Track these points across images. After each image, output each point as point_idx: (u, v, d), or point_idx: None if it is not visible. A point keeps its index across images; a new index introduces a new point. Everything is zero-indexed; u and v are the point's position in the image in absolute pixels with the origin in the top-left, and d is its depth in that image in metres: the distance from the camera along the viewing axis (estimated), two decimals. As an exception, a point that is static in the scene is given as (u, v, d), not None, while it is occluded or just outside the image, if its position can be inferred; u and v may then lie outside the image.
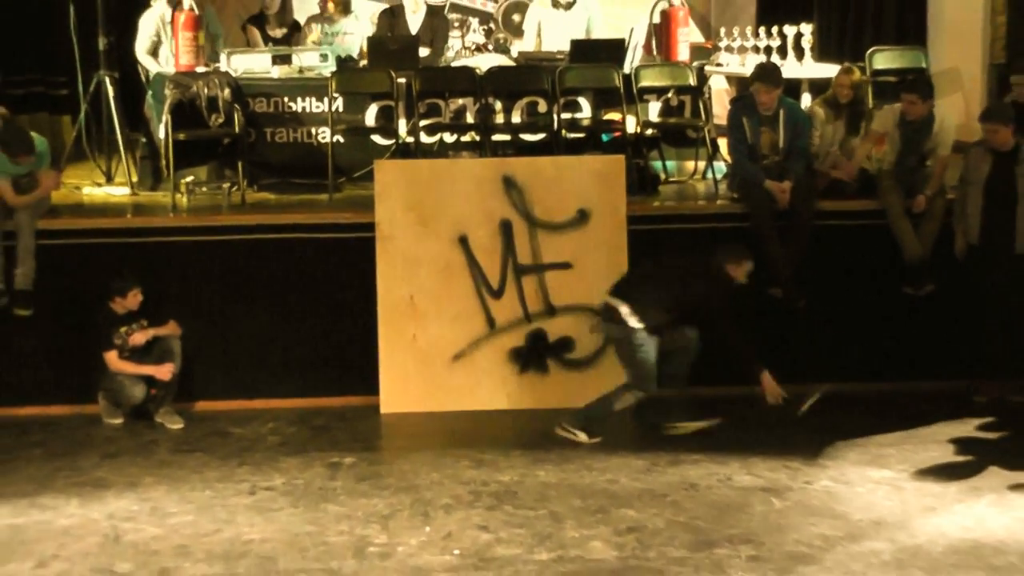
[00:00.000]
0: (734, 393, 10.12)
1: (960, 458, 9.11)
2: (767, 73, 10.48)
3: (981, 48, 12.46)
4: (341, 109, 11.30)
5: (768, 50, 11.73)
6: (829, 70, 11.44)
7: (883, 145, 10.29)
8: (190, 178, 11.05)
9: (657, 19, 12.18)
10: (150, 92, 11.42)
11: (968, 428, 9.61)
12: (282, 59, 11.70)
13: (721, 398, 10.09)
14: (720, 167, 11.23)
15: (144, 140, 11.53)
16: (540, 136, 11.46)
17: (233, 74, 11.36)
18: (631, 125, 11.33)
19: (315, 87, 11.45)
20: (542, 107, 11.46)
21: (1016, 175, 9.88)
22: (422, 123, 11.25)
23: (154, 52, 11.67)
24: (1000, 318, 9.94)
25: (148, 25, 11.68)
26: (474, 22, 13.62)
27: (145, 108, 11.48)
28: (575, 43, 11.93)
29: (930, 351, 10.35)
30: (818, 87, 11.35)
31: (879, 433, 9.47)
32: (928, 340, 10.35)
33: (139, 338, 9.77)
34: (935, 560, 7.57)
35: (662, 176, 11.50)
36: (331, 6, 12.55)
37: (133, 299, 9.71)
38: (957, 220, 10.11)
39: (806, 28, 11.81)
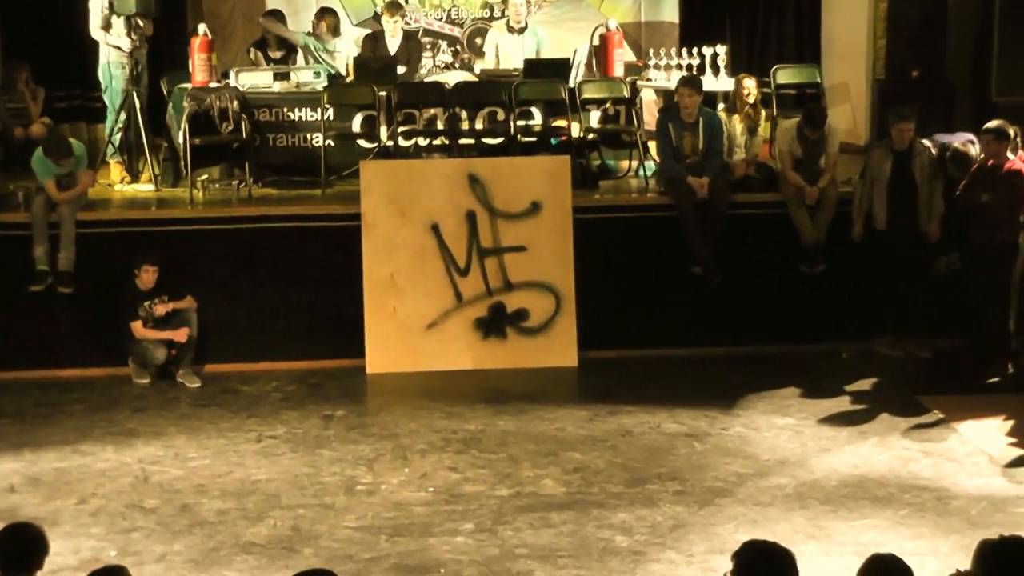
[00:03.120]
0: (665, 354, 10.16)
1: (850, 407, 9.15)
2: (691, 80, 10.57)
3: (865, 66, 12.47)
4: (332, 118, 11.20)
5: (689, 68, 11.68)
6: (740, 84, 11.44)
7: (787, 159, 10.29)
8: (204, 176, 10.96)
9: (597, 42, 12.10)
10: (171, 104, 11.30)
11: (857, 383, 9.63)
12: (282, 76, 11.59)
13: (655, 359, 10.12)
14: (650, 166, 11.18)
15: (166, 144, 11.42)
16: (499, 140, 11.37)
17: (240, 89, 11.24)
18: (575, 130, 11.27)
19: (310, 99, 11.34)
20: (501, 116, 11.38)
21: (913, 169, 9.96)
22: (400, 129, 11.17)
23: (107, 27, 11.28)
24: (905, 285, 9.98)
25: (96, 4, 11.29)
26: (443, 44, 13.53)
27: (167, 117, 11.34)
28: (528, 62, 11.87)
29: (822, 319, 10.36)
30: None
31: (782, 387, 9.48)
32: (820, 310, 10.36)
33: (161, 310, 9.71)
34: (829, 492, 7.60)
35: (601, 173, 11.46)
36: (323, 27, 12.44)
37: (146, 274, 9.62)
38: (858, 209, 10.10)
39: (721, 49, 11.77)
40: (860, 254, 10.15)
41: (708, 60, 11.69)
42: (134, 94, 11.00)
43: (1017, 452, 8.20)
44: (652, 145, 11.09)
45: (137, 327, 9.65)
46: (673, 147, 10.31)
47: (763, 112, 11.10)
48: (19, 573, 4.83)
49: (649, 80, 12.12)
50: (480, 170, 10.26)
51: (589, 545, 6.93)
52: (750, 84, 10.93)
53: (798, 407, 9.10)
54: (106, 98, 11.32)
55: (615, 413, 8.97)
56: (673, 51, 12.12)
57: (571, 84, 11.49)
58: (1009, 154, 9.66)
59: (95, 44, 11.30)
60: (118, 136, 11.23)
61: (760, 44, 13.44)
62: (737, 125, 10.80)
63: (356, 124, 11.32)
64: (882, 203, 9.99)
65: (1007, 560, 4.48)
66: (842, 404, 9.20)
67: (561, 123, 11.35)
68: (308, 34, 12.42)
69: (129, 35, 10.99)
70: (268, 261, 10.21)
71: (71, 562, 6.70)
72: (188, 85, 11.21)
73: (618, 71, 11.80)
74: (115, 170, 11.38)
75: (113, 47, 11.10)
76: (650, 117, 11.84)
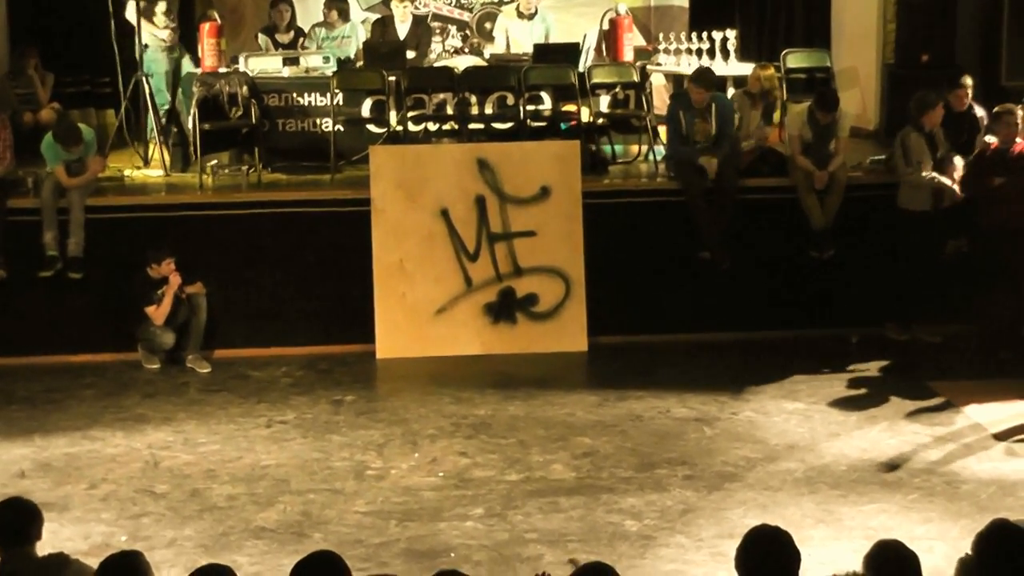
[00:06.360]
0: (675, 339, 10.15)
1: (859, 392, 9.14)
2: (699, 76, 10.49)
3: (875, 50, 12.42)
4: (341, 103, 11.19)
5: (699, 52, 11.65)
6: (750, 69, 11.39)
7: (797, 144, 10.24)
8: (214, 162, 10.95)
9: (606, 26, 12.10)
10: (180, 89, 11.31)
11: (866, 368, 9.62)
12: (291, 61, 11.60)
13: (664, 344, 10.11)
14: (659, 151, 11.17)
15: (176, 130, 11.42)
16: (509, 125, 11.36)
17: (250, 74, 11.24)
18: (585, 115, 11.26)
19: (319, 84, 11.34)
20: (510, 100, 11.38)
21: (937, 146, 9.96)
22: (409, 114, 11.16)
23: (147, 15, 11.27)
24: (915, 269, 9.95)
25: None
26: (452, 29, 13.52)
27: (176, 103, 11.37)
28: (538, 47, 11.85)
29: (831, 303, 10.33)
30: (741, 83, 11.31)
31: (791, 372, 9.46)
32: (829, 294, 10.33)
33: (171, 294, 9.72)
34: (838, 477, 7.60)
35: (611, 158, 11.44)
36: (333, 15, 12.45)
37: (167, 267, 9.63)
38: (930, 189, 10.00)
39: (730, 33, 11.74)
40: (872, 238, 10.13)
41: (718, 44, 11.67)
42: (144, 79, 11.00)
43: (1027, 436, 8.20)
44: (662, 130, 11.07)
45: (152, 311, 9.66)
46: (683, 135, 10.28)
47: (776, 101, 11.06)
48: (19, 547, 4.85)
49: (659, 65, 12.11)
50: (489, 155, 10.24)
51: (599, 530, 6.93)
52: (761, 74, 10.90)
53: (807, 392, 9.08)
54: (151, 83, 11.24)
55: (624, 398, 8.96)
56: (683, 35, 12.11)
57: (581, 69, 11.47)
58: (1018, 138, 9.64)
59: (106, 30, 11.27)
60: (152, 119, 11.22)
61: (770, 28, 13.42)
62: (750, 111, 10.77)
63: (365, 109, 11.31)
64: (929, 185, 9.94)
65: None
66: (851, 389, 9.18)
67: (571, 108, 11.33)
68: (318, 25, 12.42)
69: (166, 20, 11.09)
70: (277, 246, 10.21)
71: (81, 547, 6.70)
72: (198, 70, 11.21)
73: (628, 56, 11.79)
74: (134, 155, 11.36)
75: (152, 33, 11.18)
76: (660, 102, 11.83)
